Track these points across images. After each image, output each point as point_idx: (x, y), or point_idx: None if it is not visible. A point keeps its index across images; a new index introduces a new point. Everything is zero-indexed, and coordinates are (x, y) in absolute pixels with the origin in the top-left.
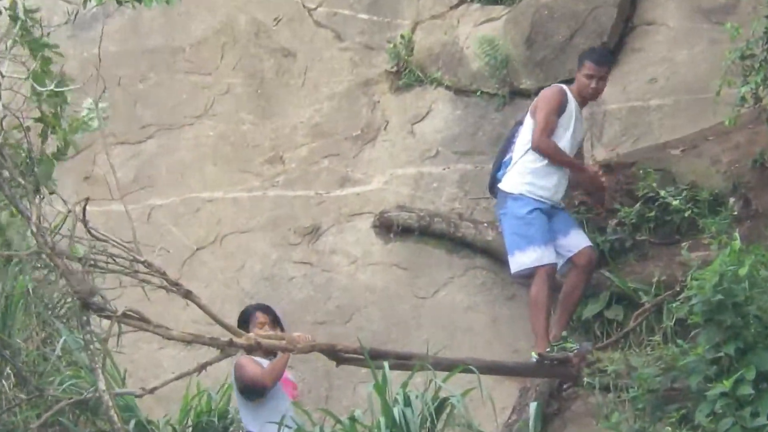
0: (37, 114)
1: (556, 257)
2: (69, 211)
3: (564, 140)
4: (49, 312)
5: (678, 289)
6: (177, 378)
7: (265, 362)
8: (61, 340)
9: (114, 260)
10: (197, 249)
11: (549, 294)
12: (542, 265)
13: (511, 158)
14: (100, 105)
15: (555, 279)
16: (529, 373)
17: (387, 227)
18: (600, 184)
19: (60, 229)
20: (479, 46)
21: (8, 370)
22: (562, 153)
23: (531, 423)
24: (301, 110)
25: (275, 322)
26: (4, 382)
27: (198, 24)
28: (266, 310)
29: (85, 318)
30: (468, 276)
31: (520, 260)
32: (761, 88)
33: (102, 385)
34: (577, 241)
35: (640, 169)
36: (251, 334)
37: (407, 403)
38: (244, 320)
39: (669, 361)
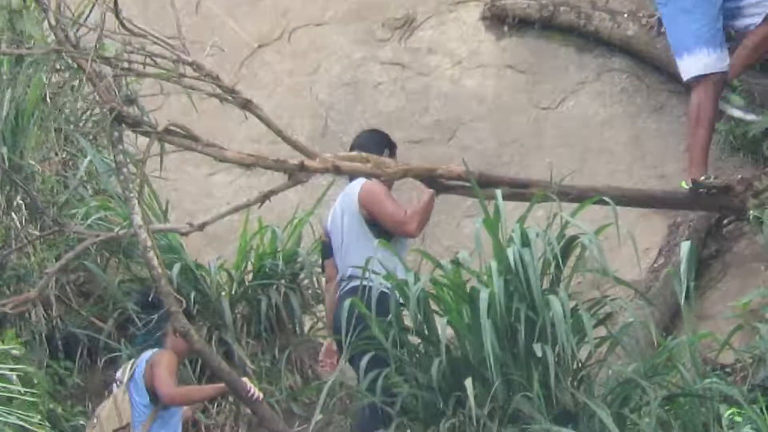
0: None
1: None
2: None
3: None
4: (72, 126)
5: None
6: (233, 211)
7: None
8: (86, 162)
9: (154, 61)
10: (259, 46)
11: (714, 107)
12: (709, 73)
13: None
14: None
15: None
16: (680, 204)
17: (500, 19)
18: None
19: (86, 20)
20: None
21: (19, 199)
22: None
23: (682, 267)
24: None
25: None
26: (14, 215)
27: None
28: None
29: (116, 134)
30: (603, 81)
31: (687, 66)
32: None
33: (138, 219)
34: None
35: None
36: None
37: (525, 242)
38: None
39: None
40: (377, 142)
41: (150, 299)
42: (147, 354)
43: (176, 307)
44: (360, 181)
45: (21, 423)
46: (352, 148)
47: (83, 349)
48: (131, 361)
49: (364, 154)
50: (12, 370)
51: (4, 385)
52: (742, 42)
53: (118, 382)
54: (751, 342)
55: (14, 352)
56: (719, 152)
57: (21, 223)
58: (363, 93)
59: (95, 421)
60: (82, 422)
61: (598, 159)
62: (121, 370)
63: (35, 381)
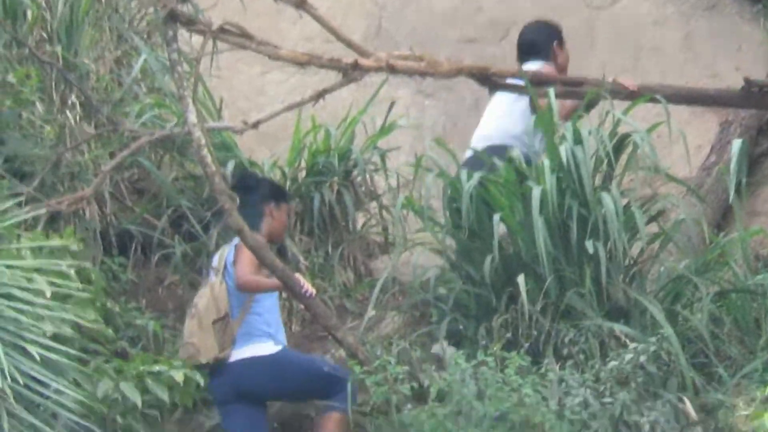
0: None
1: None
2: None
3: None
4: (126, 25)
5: None
6: (287, 109)
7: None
8: (140, 60)
9: None
10: None
11: None
12: None
13: None
14: None
15: None
16: (732, 102)
17: None
18: None
19: None
20: None
21: (74, 98)
22: None
23: (733, 164)
24: None
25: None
26: (68, 113)
27: None
28: None
29: (171, 33)
30: None
31: None
32: None
33: (192, 118)
34: None
35: None
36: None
37: (578, 140)
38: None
39: None
40: (544, 39)
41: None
42: (237, 239)
43: (230, 204)
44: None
45: (76, 319)
46: (520, 42)
47: (137, 245)
48: (223, 248)
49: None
50: (70, 266)
51: (63, 281)
52: None
53: (213, 271)
54: None
55: (72, 247)
56: None
57: (75, 121)
58: None
59: (193, 311)
60: (137, 320)
61: (651, 58)
62: (216, 256)
63: (91, 277)
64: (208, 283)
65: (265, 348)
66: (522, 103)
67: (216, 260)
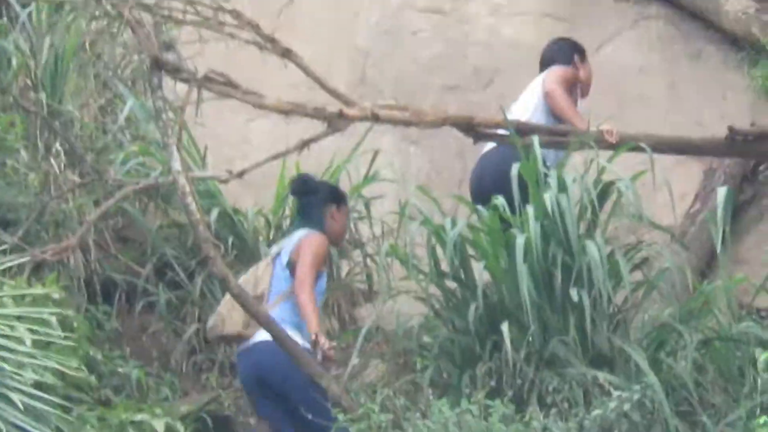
0: None
1: None
2: None
3: None
4: (110, 73)
5: None
6: (272, 158)
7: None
8: (126, 109)
9: (194, 8)
10: None
11: None
12: None
13: None
14: None
15: None
16: (717, 151)
17: None
18: None
19: None
20: None
21: (58, 145)
22: None
23: (719, 213)
24: None
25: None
26: (53, 160)
27: None
28: None
29: (155, 80)
30: (640, 28)
31: None
32: None
33: (177, 166)
34: None
35: None
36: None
37: (562, 188)
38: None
39: None
40: (566, 49)
41: None
42: (303, 231)
43: (214, 253)
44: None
45: (59, 367)
46: (542, 55)
47: (121, 293)
48: (284, 240)
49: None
50: (52, 314)
51: (44, 329)
52: None
53: (272, 255)
54: None
55: (54, 296)
56: (755, 98)
57: (60, 169)
58: (401, 40)
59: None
60: (121, 368)
61: (635, 105)
62: (276, 246)
63: (74, 325)
64: (256, 264)
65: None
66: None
67: (275, 248)
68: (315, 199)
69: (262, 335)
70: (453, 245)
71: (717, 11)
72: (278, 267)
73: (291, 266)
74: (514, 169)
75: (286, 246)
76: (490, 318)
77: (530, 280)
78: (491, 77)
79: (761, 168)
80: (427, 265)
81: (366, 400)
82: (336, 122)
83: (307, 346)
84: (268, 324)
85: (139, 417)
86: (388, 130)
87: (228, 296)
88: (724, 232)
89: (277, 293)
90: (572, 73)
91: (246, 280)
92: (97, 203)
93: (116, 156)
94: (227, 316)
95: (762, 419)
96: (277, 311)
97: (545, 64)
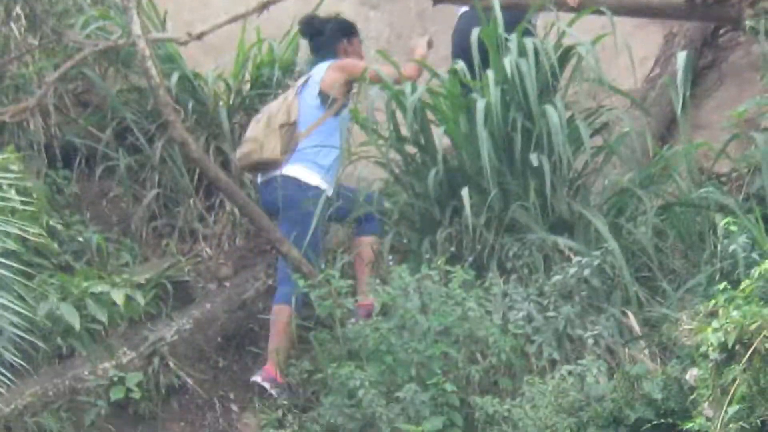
0: None
1: None
2: None
3: None
4: None
5: None
6: (231, 21)
7: None
8: None
9: None
10: None
11: None
12: None
13: None
14: None
15: None
16: (677, 14)
17: None
18: None
19: None
20: None
21: (18, 9)
22: None
23: (679, 77)
24: None
25: None
26: (12, 24)
27: None
28: None
29: None
30: None
31: None
32: None
33: (136, 29)
34: None
35: None
36: None
37: (522, 52)
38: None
39: None
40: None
41: None
42: (326, 63)
43: (174, 117)
44: None
45: (20, 233)
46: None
47: (81, 158)
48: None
49: None
50: (10, 185)
51: (4, 195)
52: None
53: (299, 88)
54: (747, 151)
55: (12, 166)
56: None
57: (20, 32)
58: None
59: (260, 116)
60: (80, 236)
61: None
62: (301, 79)
63: (34, 195)
64: (283, 94)
65: (311, 178)
66: None
67: (300, 81)
68: (324, 38)
69: (292, 170)
70: (413, 110)
71: None
72: (307, 97)
73: (322, 95)
74: (474, 33)
75: (315, 75)
76: (450, 183)
77: (490, 145)
78: None
79: (721, 32)
80: (387, 129)
81: (326, 265)
82: None
83: (324, 186)
84: (228, 188)
85: (99, 288)
86: None
87: (256, 126)
88: (684, 96)
89: (306, 124)
90: None
91: (278, 106)
92: (57, 67)
93: (76, 20)
94: (265, 141)
95: (722, 285)
96: (309, 139)
97: None
